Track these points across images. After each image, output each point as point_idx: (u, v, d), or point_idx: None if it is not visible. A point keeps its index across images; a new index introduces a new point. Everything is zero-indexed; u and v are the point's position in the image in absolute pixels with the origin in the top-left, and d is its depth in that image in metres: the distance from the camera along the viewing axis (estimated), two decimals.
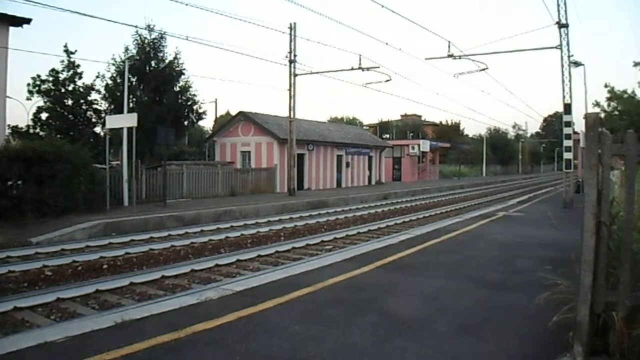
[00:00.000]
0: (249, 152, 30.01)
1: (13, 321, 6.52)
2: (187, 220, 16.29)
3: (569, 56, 19.92)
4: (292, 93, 26.12)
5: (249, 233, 14.10)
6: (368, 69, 25.45)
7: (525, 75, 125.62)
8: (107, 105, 23.75)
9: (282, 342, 4.58)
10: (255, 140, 29.85)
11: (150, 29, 23.79)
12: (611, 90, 25.32)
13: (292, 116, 26.25)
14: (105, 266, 9.79)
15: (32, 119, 22.22)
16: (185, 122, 26.49)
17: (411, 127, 71.97)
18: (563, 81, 19.87)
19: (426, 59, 24.83)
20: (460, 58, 22.94)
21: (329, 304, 5.82)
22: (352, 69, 25.57)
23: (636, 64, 22.97)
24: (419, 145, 47.33)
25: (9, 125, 19.95)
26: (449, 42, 22.89)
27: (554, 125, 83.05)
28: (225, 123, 33.79)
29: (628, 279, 3.88)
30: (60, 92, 22.03)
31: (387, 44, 25.04)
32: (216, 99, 75.58)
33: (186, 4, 17.50)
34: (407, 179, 46.02)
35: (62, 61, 22.05)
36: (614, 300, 3.91)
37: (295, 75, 26.08)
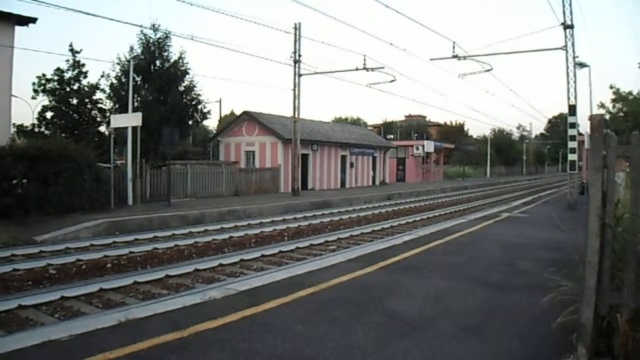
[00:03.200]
0: (253, 152, 30.04)
1: (17, 319, 6.55)
2: (191, 220, 16.32)
3: (574, 57, 19.87)
4: (296, 93, 26.12)
5: (252, 233, 14.11)
6: (372, 69, 25.43)
7: (530, 76, 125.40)
8: (111, 104, 23.81)
9: (286, 343, 4.58)
10: (260, 140, 29.88)
11: (155, 28, 23.84)
12: (616, 92, 25.25)
13: (296, 116, 26.25)
14: (109, 265, 9.82)
15: (37, 118, 22.28)
16: (190, 122, 26.52)
17: (415, 127, 71.90)
18: (568, 82, 19.81)
19: (431, 59, 24.79)
20: (464, 59, 22.88)
21: (332, 305, 5.81)
22: (357, 69, 25.55)
23: None
24: (423, 145, 47.26)
25: (14, 124, 20.02)
26: (454, 42, 22.85)
27: (559, 126, 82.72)
28: (230, 123, 33.82)
29: (633, 281, 3.87)
30: (65, 91, 22.08)
31: (391, 44, 24.87)
32: (220, 99, 75.29)
33: (191, 4, 17.50)
34: (411, 179, 45.95)
35: (67, 60, 22.11)
36: (618, 303, 3.90)
37: (300, 75, 26.08)
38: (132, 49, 24.10)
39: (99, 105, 23.42)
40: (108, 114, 22.62)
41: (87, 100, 22.73)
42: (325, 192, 28.92)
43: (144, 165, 19.71)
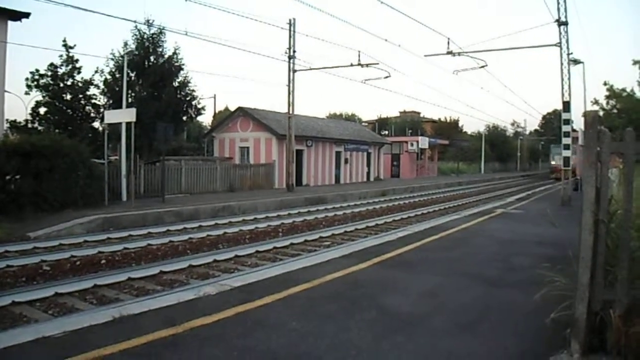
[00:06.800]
0: (248, 147, 30.00)
1: (11, 316, 6.52)
2: (186, 216, 16.28)
3: (568, 54, 19.93)
4: (291, 89, 26.08)
5: (247, 229, 14.10)
6: (367, 65, 25.39)
7: (524, 72, 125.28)
8: (105, 100, 23.69)
9: (280, 338, 4.58)
10: (254, 136, 29.84)
11: (149, 24, 23.66)
12: (610, 89, 25.34)
13: (291, 112, 26.21)
14: (103, 261, 9.79)
15: (30, 114, 22.15)
16: (184, 118, 26.43)
17: (410, 123, 71.89)
18: (562, 79, 19.87)
19: (425, 55, 24.83)
20: (459, 55, 22.90)
21: (326, 300, 5.82)
22: (352, 65, 25.51)
23: (635, 62, 22.98)
24: (417, 142, 47.31)
25: (7, 119, 19.91)
26: (449, 38, 22.87)
27: (553, 122, 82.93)
28: (224, 118, 33.75)
29: (625, 276, 3.89)
30: (58, 87, 21.95)
31: (386, 40, 24.87)
32: (215, 95, 75.04)
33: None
34: (405, 175, 46.03)
35: (61, 56, 21.96)
36: (612, 298, 3.93)
37: (295, 71, 26.04)
38: (126, 44, 23.96)
39: (93, 101, 23.30)
40: (102, 110, 22.52)
41: (80, 95, 22.59)
42: (319, 188, 28.92)
43: (138, 161, 19.64)
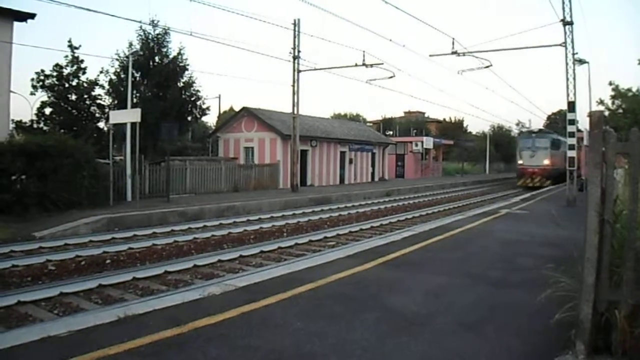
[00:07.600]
0: (252, 148, 30.02)
1: (17, 315, 6.57)
2: (190, 216, 16.31)
3: (573, 54, 19.85)
4: (295, 89, 26.08)
5: (251, 229, 14.13)
6: (372, 65, 25.36)
7: (529, 72, 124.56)
8: (110, 100, 23.79)
9: (285, 338, 4.58)
10: (259, 136, 29.86)
11: (154, 24, 23.76)
12: (615, 88, 25.27)
13: (295, 112, 26.21)
14: (108, 261, 9.83)
15: (35, 114, 22.27)
16: (189, 118, 26.49)
17: (414, 124, 71.70)
18: (567, 79, 19.79)
19: (430, 55, 24.77)
20: (464, 55, 22.86)
21: (331, 300, 5.82)
22: (356, 65, 25.49)
23: None
24: (422, 142, 47.20)
25: (12, 120, 20.00)
26: (453, 39, 22.81)
27: (558, 123, 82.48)
28: (229, 119, 33.80)
29: (631, 277, 3.87)
30: (64, 87, 22.07)
31: (391, 40, 24.98)
32: (220, 95, 75.43)
33: (190, 0, 17.47)
34: (410, 175, 45.93)
35: (66, 56, 22.10)
36: (617, 299, 3.91)
37: (299, 71, 26.04)
38: (131, 44, 24.05)
39: (98, 101, 23.44)
40: (107, 110, 22.64)
41: (86, 96, 22.71)
42: (324, 188, 28.91)
43: (143, 161, 19.70)
